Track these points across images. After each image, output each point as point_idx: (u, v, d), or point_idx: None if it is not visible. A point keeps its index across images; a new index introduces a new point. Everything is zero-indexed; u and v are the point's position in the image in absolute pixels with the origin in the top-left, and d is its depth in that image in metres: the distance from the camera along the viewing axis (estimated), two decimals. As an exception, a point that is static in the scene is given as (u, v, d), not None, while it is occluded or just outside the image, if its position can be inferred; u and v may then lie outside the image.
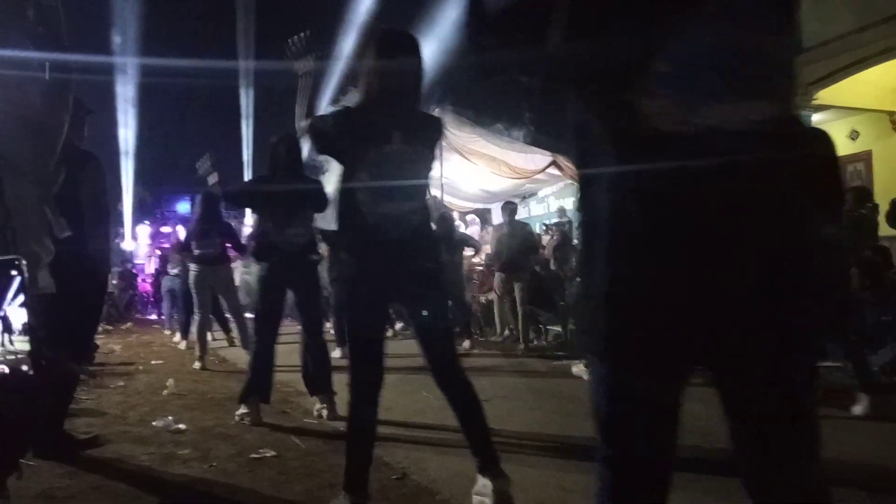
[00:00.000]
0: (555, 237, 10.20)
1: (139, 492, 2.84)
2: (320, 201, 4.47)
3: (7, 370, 0.68)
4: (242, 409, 4.22)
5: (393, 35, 2.66)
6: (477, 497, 2.59)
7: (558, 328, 8.56)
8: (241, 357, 7.45)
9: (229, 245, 7.19)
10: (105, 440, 3.67)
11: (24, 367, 0.69)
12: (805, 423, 1.20)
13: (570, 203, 12.85)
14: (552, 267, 9.11)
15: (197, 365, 6.94)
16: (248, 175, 21.64)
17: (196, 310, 7.34)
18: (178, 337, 9.61)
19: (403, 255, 2.53)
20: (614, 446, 1.27)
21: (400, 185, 2.51)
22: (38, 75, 2.18)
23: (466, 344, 8.05)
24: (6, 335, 0.69)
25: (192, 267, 7.18)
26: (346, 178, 2.56)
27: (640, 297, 1.17)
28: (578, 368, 5.86)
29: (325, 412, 4.28)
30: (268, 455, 3.39)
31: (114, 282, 16.64)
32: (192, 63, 20.42)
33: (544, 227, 11.82)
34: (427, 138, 2.65)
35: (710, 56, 1.14)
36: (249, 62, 20.11)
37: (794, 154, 1.18)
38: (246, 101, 21.08)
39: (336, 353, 7.61)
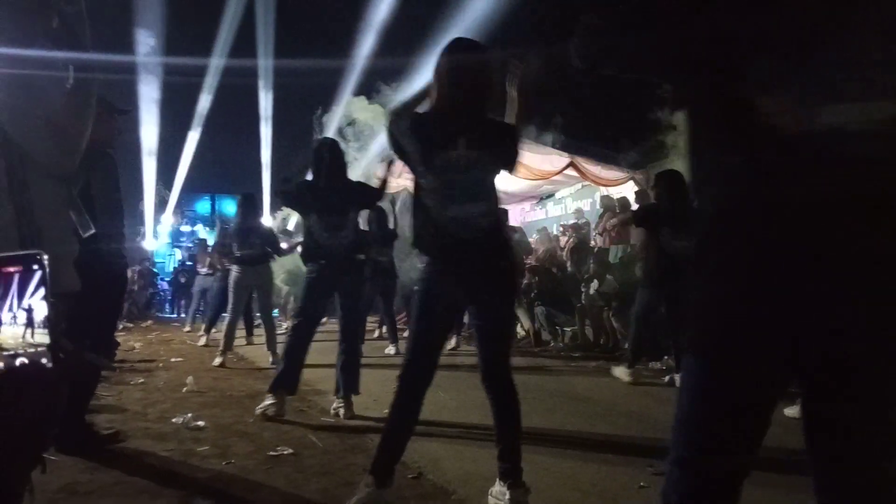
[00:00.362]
0: (571, 239, 10.19)
1: (159, 487, 2.87)
2: (367, 199, 4.64)
3: (27, 362, 0.70)
4: (269, 400, 4.30)
5: (461, 44, 2.72)
6: (493, 499, 2.62)
7: (575, 329, 8.53)
8: (259, 356, 7.51)
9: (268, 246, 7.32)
10: (126, 436, 3.72)
11: (44, 360, 0.70)
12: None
13: (587, 204, 12.82)
14: (569, 268, 9.10)
15: (217, 361, 7.03)
16: (266, 176, 21.80)
17: (229, 309, 7.45)
18: (200, 332, 9.75)
19: (474, 256, 2.60)
20: (695, 448, 1.29)
21: (465, 188, 2.58)
22: (63, 77, 2.23)
23: (453, 341, 8.02)
24: (28, 328, 0.71)
25: (234, 268, 7.32)
26: (416, 181, 2.65)
27: (752, 299, 1.16)
28: (620, 371, 5.74)
29: (341, 411, 4.33)
30: (285, 453, 3.42)
31: (134, 279, 16.86)
32: (214, 62, 20.58)
33: (561, 229, 11.80)
34: (495, 144, 2.68)
35: (831, 53, 1.11)
36: (269, 62, 20.24)
37: None
38: (265, 102, 21.22)
39: (390, 350, 7.68)
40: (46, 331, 0.74)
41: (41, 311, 0.74)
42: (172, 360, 7.55)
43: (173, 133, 22.79)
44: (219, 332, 9.56)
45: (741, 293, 1.17)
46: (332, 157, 4.50)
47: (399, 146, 2.69)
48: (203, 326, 9.65)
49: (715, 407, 1.24)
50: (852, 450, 1.18)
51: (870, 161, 1.08)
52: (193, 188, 26.45)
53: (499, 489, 2.60)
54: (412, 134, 2.64)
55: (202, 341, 9.14)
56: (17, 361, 0.70)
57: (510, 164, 2.75)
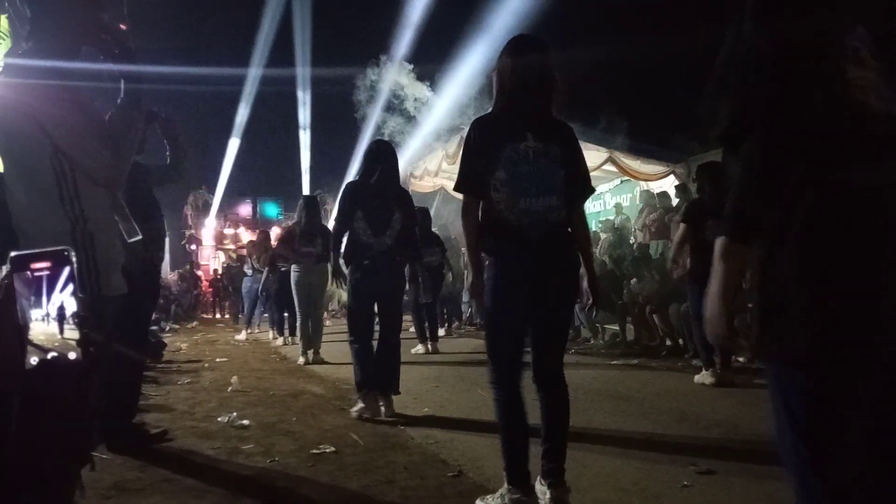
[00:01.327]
0: (610, 235, 10.08)
1: (206, 485, 2.94)
2: (410, 210, 4.62)
3: (57, 356, 0.72)
4: (360, 405, 4.33)
5: (524, 41, 2.73)
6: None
7: (615, 327, 8.44)
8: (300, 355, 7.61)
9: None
10: (173, 435, 3.82)
11: (73, 355, 0.73)
12: None
13: (626, 199, 12.67)
14: (608, 266, 9.00)
15: (301, 360, 7.25)
16: (306, 181, 22.09)
17: (297, 309, 7.67)
18: (272, 334, 10.36)
19: (541, 252, 2.59)
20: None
21: (534, 181, 2.57)
22: (112, 89, 2.30)
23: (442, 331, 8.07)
24: (58, 324, 0.74)
25: (295, 267, 7.52)
26: (484, 179, 2.61)
27: (866, 301, 1.09)
28: (702, 376, 5.44)
29: (383, 409, 4.35)
30: (327, 451, 3.47)
31: (178, 282, 17.24)
32: (255, 70, 20.94)
33: (600, 225, 11.69)
34: (560, 140, 2.68)
35: None
36: (307, 69, 20.50)
37: None
38: (304, 108, 21.49)
39: (419, 349, 7.75)
40: (76, 326, 0.76)
41: (70, 306, 0.77)
42: (217, 360, 7.71)
43: (216, 138, 23.25)
44: (262, 332, 9.77)
45: (853, 295, 1.09)
46: (386, 157, 4.55)
47: (477, 157, 2.64)
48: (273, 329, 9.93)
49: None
50: None
51: None
52: (236, 192, 26.92)
53: (539, 487, 2.59)
54: (480, 136, 2.64)
55: (279, 342, 9.44)
56: (48, 356, 0.73)
57: (578, 164, 2.73)
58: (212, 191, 25.30)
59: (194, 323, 14.84)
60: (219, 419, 4.25)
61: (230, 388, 5.51)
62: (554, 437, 2.64)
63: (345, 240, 4.58)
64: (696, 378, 5.47)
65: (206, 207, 25.62)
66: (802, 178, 1.14)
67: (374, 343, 4.58)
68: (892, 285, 1.07)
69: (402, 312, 4.78)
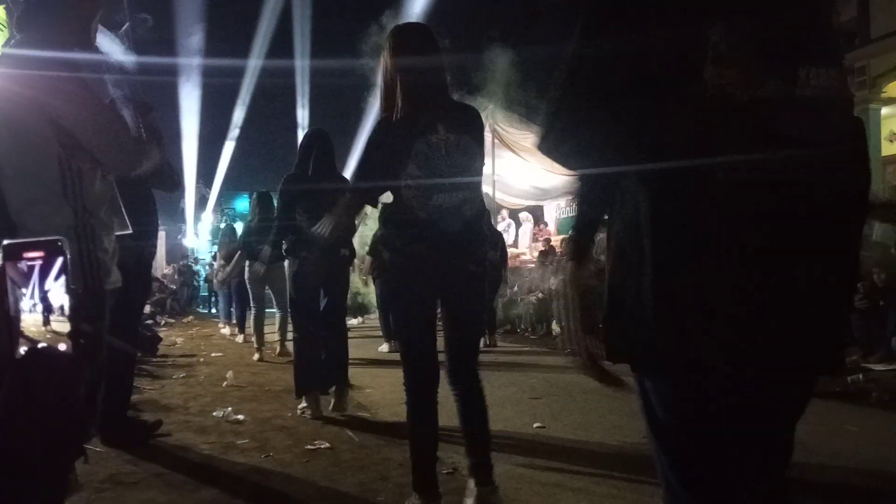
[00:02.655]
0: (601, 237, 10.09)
1: (200, 479, 2.94)
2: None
3: (46, 347, 0.72)
4: (303, 404, 4.30)
5: (407, 30, 2.67)
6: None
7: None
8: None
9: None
10: (168, 429, 3.80)
11: (63, 347, 0.72)
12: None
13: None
14: (603, 266, 9.01)
15: (256, 357, 7.25)
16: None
17: (252, 304, 7.64)
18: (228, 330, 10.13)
19: (450, 248, 2.47)
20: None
21: (449, 175, 2.45)
22: (125, 87, 2.30)
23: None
24: (49, 315, 0.73)
25: (248, 263, 7.43)
26: (395, 177, 2.49)
27: (722, 305, 1.04)
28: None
29: (333, 403, 4.30)
30: (322, 447, 3.46)
31: (175, 276, 17.22)
32: (254, 63, 20.89)
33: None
34: (471, 127, 2.58)
35: (775, 19, 1.04)
36: (306, 61, 20.47)
37: (854, 136, 1.08)
38: (302, 101, 21.46)
39: (384, 348, 7.75)
40: (66, 317, 0.75)
41: (62, 297, 0.75)
42: (212, 354, 7.70)
43: (213, 132, 23.22)
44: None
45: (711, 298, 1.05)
46: (321, 148, 4.42)
47: (378, 160, 2.55)
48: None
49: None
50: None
51: (819, 137, 1.01)
52: (232, 186, 26.88)
53: (468, 484, 2.53)
54: (384, 137, 2.53)
55: (239, 339, 9.34)
56: (37, 347, 0.72)
57: (483, 147, 2.63)
58: (208, 185, 25.28)
59: (190, 317, 14.81)
60: (213, 414, 4.24)
61: (225, 383, 5.50)
62: (475, 434, 2.55)
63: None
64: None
65: (203, 202, 25.60)
66: (646, 179, 1.10)
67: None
68: (747, 287, 1.04)
69: (344, 306, 4.69)
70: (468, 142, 2.52)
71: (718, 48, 1.03)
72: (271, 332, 8.47)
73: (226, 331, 10.78)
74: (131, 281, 3.00)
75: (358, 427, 3.92)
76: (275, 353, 7.63)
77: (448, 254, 2.47)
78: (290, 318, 7.41)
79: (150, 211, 3.81)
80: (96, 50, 2.28)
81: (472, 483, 2.49)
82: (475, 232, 2.56)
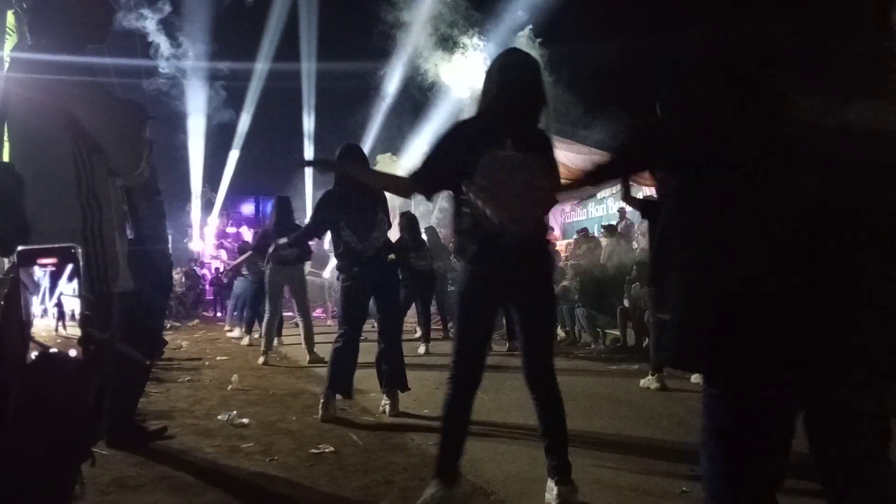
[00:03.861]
0: (613, 240, 10.09)
1: (205, 483, 2.95)
2: (385, 205, 4.69)
3: (57, 352, 0.73)
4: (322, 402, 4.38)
5: (514, 53, 2.85)
6: (547, 494, 2.67)
7: (616, 332, 8.43)
8: (301, 354, 7.61)
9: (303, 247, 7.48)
10: (174, 432, 3.82)
11: (73, 352, 0.73)
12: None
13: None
14: (610, 271, 9.01)
15: (261, 360, 7.27)
16: (308, 179, 22.12)
17: (267, 307, 7.61)
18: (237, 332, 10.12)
19: (518, 259, 2.62)
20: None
21: (512, 189, 2.58)
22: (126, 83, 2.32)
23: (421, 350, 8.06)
24: (60, 321, 0.74)
25: (269, 266, 7.45)
26: (458, 181, 2.63)
27: (776, 309, 1.10)
28: (647, 381, 5.63)
29: (388, 408, 4.43)
30: (327, 451, 3.47)
31: (182, 280, 17.26)
32: (260, 67, 20.96)
33: (602, 230, 11.68)
34: (538, 150, 2.70)
35: (841, 56, 1.10)
36: (312, 64, 20.54)
37: None
38: (308, 105, 21.52)
39: (421, 349, 7.75)
40: (77, 323, 0.77)
41: (73, 303, 0.77)
42: (218, 358, 7.71)
43: (220, 136, 23.29)
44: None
45: (764, 305, 1.11)
46: (355, 163, 4.54)
47: (443, 155, 2.67)
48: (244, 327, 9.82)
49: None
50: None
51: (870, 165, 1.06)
52: (239, 190, 26.94)
53: (547, 484, 2.66)
54: (457, 138, 2.66)
55: (245, 341, 9.32)
56: (49, 351, 0.73)
57: (553, 175, 2.76)
58: (215, 189, 25.33)
59: (195, 321, 14.84)
60: (219, 417, 4.26)
61: (230, 387, 5.51)
62: (551, 435, 2.69)
63: (325, 245, 4.65)
64: (642, 382, 5.68)
65: (209, 206, 25.66)
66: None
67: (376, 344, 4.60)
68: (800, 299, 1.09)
69: (400, 317, 4.83)
70: (532, 161, 2.64)
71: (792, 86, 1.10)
72: (290, 338, 8.50)
73: (233, 333, 10.79)
74: (150, 287, 3.04)
75: (362, 431, 3.93)
76: (280, 358, 7.64)
77: (517, 263, 2.62)
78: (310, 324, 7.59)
79: (161, 216, 3.87)
80: (108, 53, 2.31)
81: (551, 483, 2.63)
82: (541, 243, 2.75)
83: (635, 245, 10.34)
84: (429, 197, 2.82)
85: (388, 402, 4.46)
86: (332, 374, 4.45)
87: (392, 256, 4.67)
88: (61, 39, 2.17)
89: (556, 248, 11.75)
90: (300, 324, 7.72)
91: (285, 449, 3.54)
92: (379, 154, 17.44)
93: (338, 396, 4.45)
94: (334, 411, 4.33)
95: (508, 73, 2.68)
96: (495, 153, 2.58)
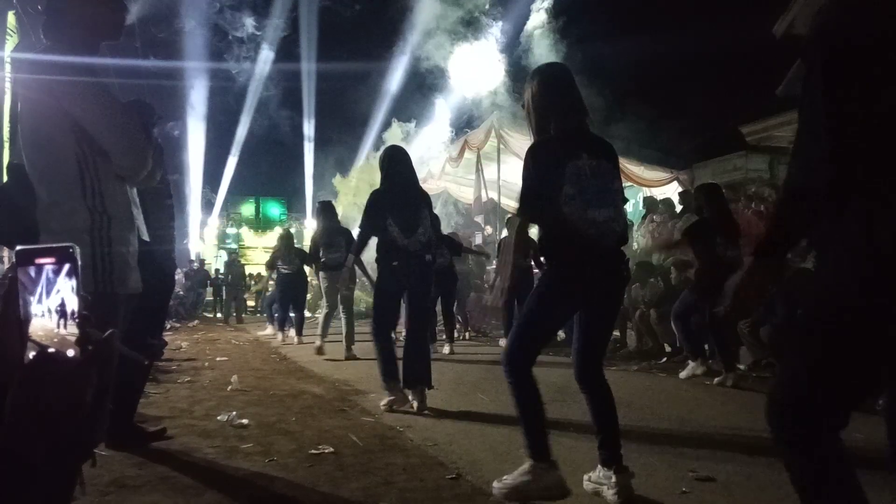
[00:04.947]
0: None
1: (204, 483, 2.94)
2: (430, 204, 4.93)
3: (54, 351, 0.73)
4: (389, 398, 4.56)
5: (558, 68, 3.10)
6: (591, 484, 2.79)
7: (616, 332, 8.41)
8: (302, 356, 7.62)
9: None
10: (173, 433, 3.82)
11: (71, 352, 0.74)
12: None
13: (629, 206, 12.67)
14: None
15: (345, 355, 7.49)
16: (309, 179, 22.14)
17: (330, 311, 8.02)
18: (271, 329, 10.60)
19: (603, 260, 2.77)
20: None
21: (596, 194, 2.74)
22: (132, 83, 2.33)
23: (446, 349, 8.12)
24: (58, 320, 0.75)
25: (323, 275, 7.81)
26: (552, 196, 2.74)
27: None
28: (689, 371, 5.91)
29: (416, 403, 4.50)
30: (326, 451, 3.46)
31: (183, 280, 17.28)
32: (260, 67, 20.98)
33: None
34: (608, 156, 2.89)
35: None
36: (312, 65, 20.57)
37: None
38: (308, 106, 21.54)
39: (446, 349, 7.79)
40: (75, 322, 0.77)
41: (71, 303, 0.77)
42: (217, 359, 7.72)
43: (219, 137, 23.31)
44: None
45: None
46: (403, 164, 4.81)
47: (539, 183, 2.80)
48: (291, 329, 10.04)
49: None
50: None
51: None
52: (238, 191, 26.99)
53: (602, 474, 2.75)
54: (542, 157, 2.80)
55: (279, 338, 9.85)
56: (45, 350, 0.73)
57: (620, 178, 2.98)
58: (215, 190, 25.39)
59: (195, 322, 14.85)
60: (218, 418, 4.25)
61: (230, 388, 5.51)
62: (606, 428, 2.82)
63: (372, 243, 4.82)
64: (683, 374, 5.94)
65: (209, 206, 25.71)
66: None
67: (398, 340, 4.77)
68: None
69: (429, 312, 4.94)
70: (606, 165, 2.83)
71: None
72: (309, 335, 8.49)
73: (267, 332, 11.24)
74: (153, 288, 3.04)
75: (362, 432, 3.93)
76: (279, 359, 7.65)
77: (603, 265, 2.78)
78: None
79: (171, 218, 3.90)
80: (114, 54, 2.32)
81: (606, 471, 2.74)
82: (622, 245, 2.90)
83: (635, 246, 10.34)
84: (538, 221, 3.03)
85: (416, 398, 4.52)
86: (386, 368, 4.61)
87: (430, 257, 4.79)
88: (76, 39, 2.17)
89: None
90: (344, 320, 7.88)
91: (285, 450, 3.53)
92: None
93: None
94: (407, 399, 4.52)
95: (565, 87, 2.90)
96: (576, 163, 2.74)
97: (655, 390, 5.51)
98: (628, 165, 10.98)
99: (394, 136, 16.24)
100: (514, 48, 14.55)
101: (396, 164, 4.79)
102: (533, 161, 2.81)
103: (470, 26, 14.72)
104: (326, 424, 4.15)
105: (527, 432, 2.77)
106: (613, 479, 2.69)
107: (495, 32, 14.84)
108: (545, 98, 2.89)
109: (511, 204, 13.97)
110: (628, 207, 12.54)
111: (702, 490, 2.86)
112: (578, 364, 2.88)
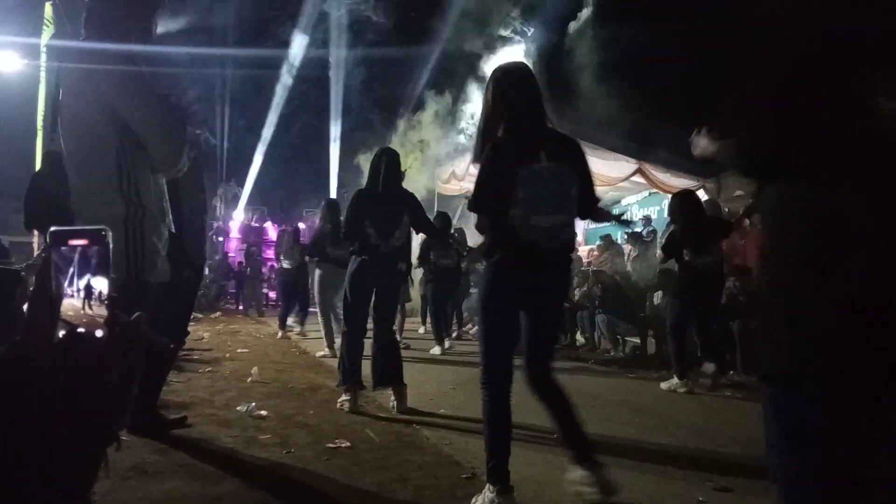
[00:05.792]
0: (637, 247, 10.00)
1: (223, 472, 2.98)
2: (417, 214, 4.89)
3: (84, 332, 0.74)
4: (344, 398, 4.58)
5: (515, 67, 2.96)
6: (571, 485, 2.68)
7: (637, 340, 8.36)
8: (320, 350, 7.66)
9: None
10: (193, 421, 3.87)
11: (98, 332, 0.75)
12: None
13: (654, 212, 12.57)
14: (633, 278, 8.94)
15: (324, 353, 7.52)
16: (334, 174, 22.25)
17: (319, 307, 7.90)
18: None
19: (547, 265, 2.74)
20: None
21: (549, 199, 2.69)
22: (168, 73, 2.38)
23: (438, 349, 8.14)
24: (87, 301, 0.76)
25: (319, 268, 7.78)
26: (504, 199, 2.71)
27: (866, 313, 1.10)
28: (670, 384, 5.81)
29: (395, 404, 4.55)
30: (343, 446, 3.49)
31: (207, 272, 17.46)
32: (288, 62, 21.13)
33: (625, 236, 11.59)
34: (571, 158, 2.81)
35: None
36: (340, 55, 20.66)
37: None
38: (335, 99, 21.64)
39: (436, 350, 7.82)
40: (104, 304, 0.78)
41: (101, 284, 0.78)
42: (238, 350, 7.79)
43: (246, 132, 23.53)
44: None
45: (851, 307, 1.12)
46: (389, 166, 4.78)
47: (492, 181, 2.76)
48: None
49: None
50: None
51: None
52: (265, 184, 27.15)
53: (577, 474, 2.66)
54: (498, 157, 2.75)
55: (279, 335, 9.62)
56: (75, 330, 0.75)
57: (587, 177, 2.88)
58: (241, 184, 25.59)
59: (217, 313, 15.00)
60: (238, 408, 4.30)
61: (250, 379, 5.56)
62: (566, 429, 2.72)
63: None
64: (663, 385, 5.88)
65: (235, 200, 25.92)
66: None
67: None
68: None
69: (395, 314, 4.99)
70: (566, 170, 2.76)
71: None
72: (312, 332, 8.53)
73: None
74: (182, 277, 3.10)
75: (378, 428, 3.95)
76: (299, 353, 7.70)
77: (541, 270, 2.73)
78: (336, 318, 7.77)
79: (204, 211, 3.97)
80: (155, 43, 2.35)
81: (578, 470, 2.65)
82: (568, 251, 2.84)
83: (659, 253, 10.25)
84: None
85: (394, 398, 4.58)
86: (348, 366, 4.63)
87: (403, 266, 4.85)
88: (114, 31, 2.21)
89: (578, 253, 11.70)
90: (324, 320, 7.85)
91: (302, 442, 3.56)
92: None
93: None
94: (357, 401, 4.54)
95: (525, 87, 2.82)
96: (532, 166, 2.69)
97: (673, 398, 5.47)
98: (654, 172, 10.88)
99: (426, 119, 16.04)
100: (553, 48, 14.49)
101: (384, 166, 4.79)
102: (491, 159, 2.76)
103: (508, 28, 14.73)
104: (343, 419, 4.18)
105: (490, 452, 2.69)
106: (588, 477, 2.63)
107: (531, 34, 14.81)
108: (503, 98, 2.81)
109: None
110: (653, 214, 12.47)
111: (719, 500, 2.83)
112: (526, 369, 2.80)
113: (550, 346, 2.89)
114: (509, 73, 2.88)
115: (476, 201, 2.82)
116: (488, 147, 2.80)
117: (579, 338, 9.58)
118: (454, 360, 7.44)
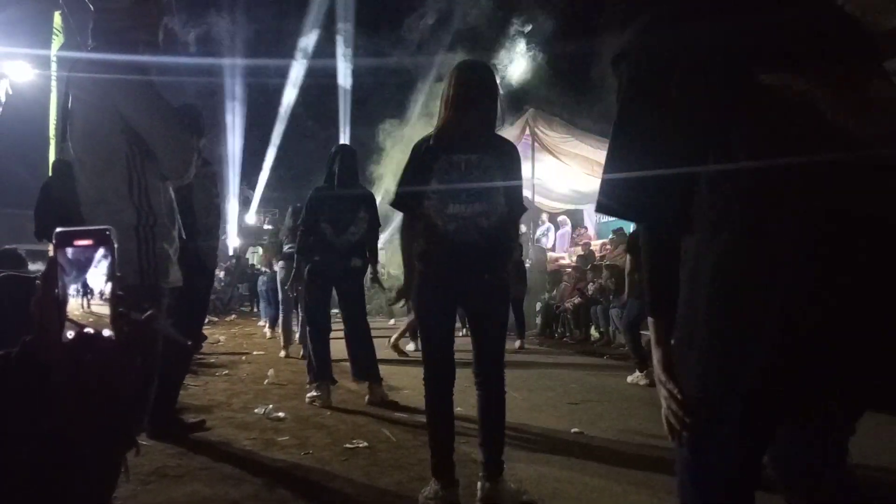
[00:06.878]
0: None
1: (242, 474, 3.00)
2: (371, 213, 4.89)
3: (91, 331, 0.74)
4: (313, 393, 4.70)
5: (468, 64, 2.88)
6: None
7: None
8: (335, 351, 7.68)
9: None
10: (211, 424, 3.89)
11: (105, 332, 0.75)
12: None
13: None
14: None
15: (282, 354, 7.57)
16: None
17: (281, 306, 7.93)
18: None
19: (470, 257, 2.67)
20: None
21: (465, 188, 2.65)
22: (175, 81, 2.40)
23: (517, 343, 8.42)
24: (85, 298, 0.76)
25: (281, 265, 7.65)
26: (419, 190, 2.70)
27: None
28: (635, 377, 5.88)
29: (368, 397, 4.71)
30: (360, 446, 3.50)
31: (222, 276, 17.57)
32: (297, 66, 21.20)
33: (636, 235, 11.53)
34: (496, 153, 2.75)
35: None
36: (349, 62, 20.70)
37: None
38: (344, 103, 21.68)
39: (410, 347, 7.84)
40: (110, 303, 0.78)
41: (104, 283, 0.79)
42: (254, 353, 7.84)
43: (258, 135, 23.63)
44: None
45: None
46: (344, 162, 4.85)
47: (413, 175, 2.75)
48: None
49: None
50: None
51: None
52: (276, 187, 27.27)
53: (481, 474, 2.68)
54: (418, 153, 2.75)
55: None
56: (84, 332, 0.75)
57: (513, 180, 2.78)
58: (252, 187, 25.74)
59: (232, 316, 15.09)
60: (255, 411, 4.33)
61: (266, 381, 5.59)
62: (484, 429, 2.71)
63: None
64: (629, 378, 5.89)
65: (247, 203, 26.07)
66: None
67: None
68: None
69: (359, 309, 4.97)
70: (489, 162, 2.70)
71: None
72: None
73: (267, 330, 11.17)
74: (195, 282, 3.12)
75: (396, 427, 3.96)
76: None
77: (465, 262, 2.67)
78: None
79: (217, 216, 4.01)
80: (162, 52, 2.36)
81: (483, 478, 2.67)
82: (493, 242, 2.71)
83: (627, 256, 10.20)
84: (414, 214, 2.84)
85: (369, 391, 4.73)
86: (313, 363, 4.80)
87: (359, 262, 4.84)
88: (121, 39, 2.23)
89: (591, 247, 11.65)
90: (284, 317, 7.98)
91: (320, 443, 3.58)
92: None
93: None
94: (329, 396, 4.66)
95: (462, 84, 2.74)
96: (450, 157, 2.67)
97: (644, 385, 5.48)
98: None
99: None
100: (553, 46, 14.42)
101: (340, 162, 4.83)
102: (411, 154, 2.77)
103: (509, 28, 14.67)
104: (360, 419, 4.20)
105: (432, 448, 2.70)
106: (480, 485, 2.66)
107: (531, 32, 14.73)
108: (449, 92, 2.75)
109: (545, 202, 13.89)
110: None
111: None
112: (473, 364, 2.80)
113: (491, 344, 2.80)
114: (460, 69, 2.82)
115: (396, 198, 2.81)
116: (412, 147, 2.81)
117: (594, 332, 9.57)
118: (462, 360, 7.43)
